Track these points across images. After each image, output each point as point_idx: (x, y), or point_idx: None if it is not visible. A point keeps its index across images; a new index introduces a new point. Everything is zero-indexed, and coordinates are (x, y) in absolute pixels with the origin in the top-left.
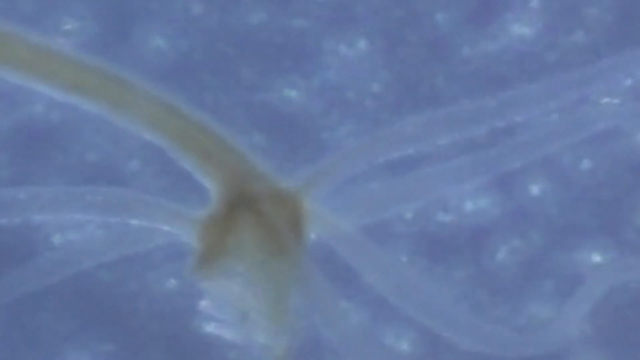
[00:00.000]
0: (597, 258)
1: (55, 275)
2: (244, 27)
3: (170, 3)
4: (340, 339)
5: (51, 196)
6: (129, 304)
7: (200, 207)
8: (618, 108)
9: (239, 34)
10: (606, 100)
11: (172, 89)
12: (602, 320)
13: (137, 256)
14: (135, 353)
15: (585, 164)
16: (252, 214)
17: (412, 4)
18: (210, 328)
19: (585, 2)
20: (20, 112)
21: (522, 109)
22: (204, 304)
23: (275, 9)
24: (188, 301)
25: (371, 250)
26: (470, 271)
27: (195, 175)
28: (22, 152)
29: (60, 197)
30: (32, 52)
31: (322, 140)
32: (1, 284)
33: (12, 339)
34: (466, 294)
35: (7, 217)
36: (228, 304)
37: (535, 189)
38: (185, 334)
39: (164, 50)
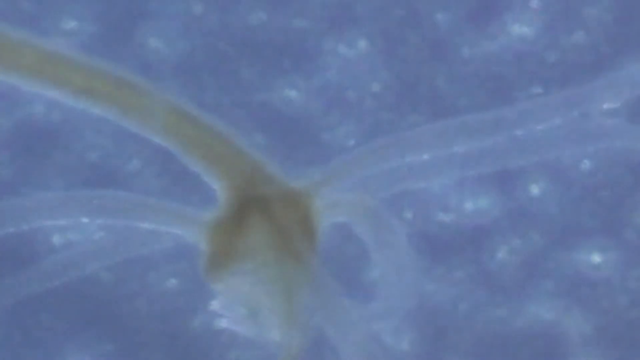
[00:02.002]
0: (597, 258)
1: (56, 278)
2: (244, 27)
3: (170, 3)
4: (342, 337)
5: (59, 202)
6: (129, 304)
7: (200, 207)
8: (618, 127)
9: (239, 34)
10: (608, 106)
11: (173, 89)
12: (602, 320)
13: (138, 256)
14: (135, 353)
15: (585, 164)
16: (261, 216)
17: (412, 4)
18: (223, 324)
19: (585, 2)
20: (20, 112)
21: (533, 120)
22: (216, 301)
23: (275, 9)
24: (188, 301)
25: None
26: (470, 271)
27: (203, 177)
28: (22, 152)
29: (69, 202)
30: (40, 57)
31: (322, 140)
32: (2, 285)
33: (12, 339)
34: (466, 294)
35: (16, 227)
36: (239, 302)
37: (535, 189)
38: (185, 334)
39: (164, 51)
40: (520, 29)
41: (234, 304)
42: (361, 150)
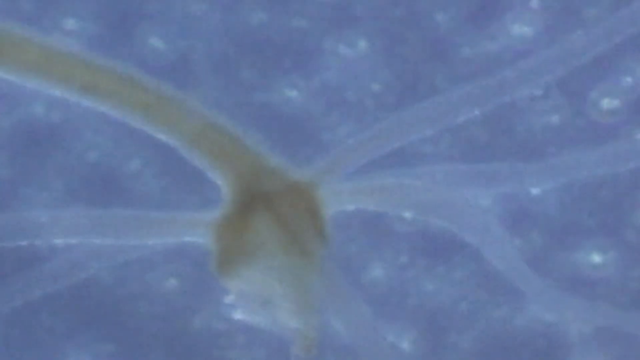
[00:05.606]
0: (597, 258)
1: (58, 281)
2: (244, 27)
3: (171, 3)
4: (348, 332)
5: (69, 219)
6: (129, 304)
7: (201, 207)
8: None
9: (239, 34)
10: (606, 100)
11: (173, 88)
12: (602, 320)
13: (137, 257)
14: (135, 353)
15: None
16: (267, 210)
17: (412, 4)
18: (238, 315)
19: (585, 2)
20: (20, 112)
21: (514, 90)
22: (229, 294)
23: (275, 9)
24: (188, 301)
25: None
26: (471, 271)
27: (205, 174)
28: (22, 152)
29: (77, 220)
30: (43, 54)
31: (322, 140)
32: (5, 289)
33: (12, 339)
34: (466, 294)
35: (28, 240)
36: (252, 295)
37: (535, 189)
38: (185, 334)
39: (164, 50)
40: (520, 29)
41: (247, 297)
42: (362, 137)
